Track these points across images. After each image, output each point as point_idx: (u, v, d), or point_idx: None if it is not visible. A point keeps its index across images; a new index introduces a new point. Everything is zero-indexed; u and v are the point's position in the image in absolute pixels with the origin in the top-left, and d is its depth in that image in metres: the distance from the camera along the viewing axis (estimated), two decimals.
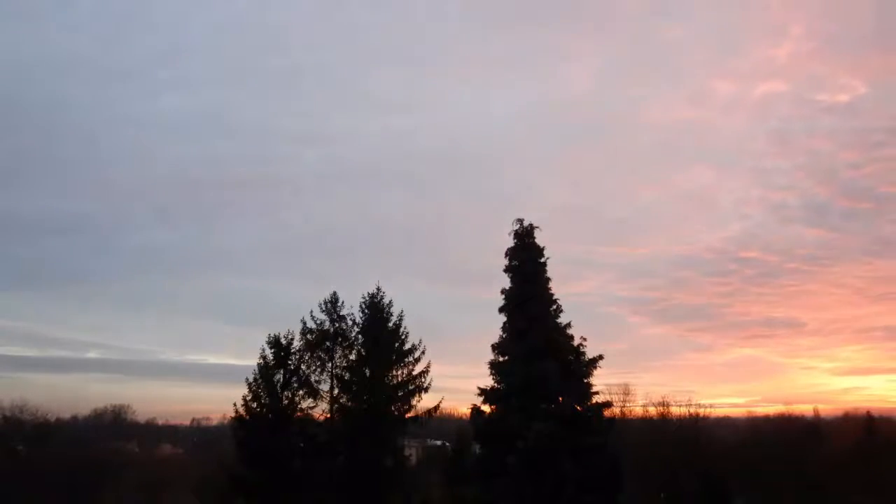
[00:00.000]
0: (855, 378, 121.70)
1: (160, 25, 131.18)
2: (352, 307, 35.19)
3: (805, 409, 70.26)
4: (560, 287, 28.35)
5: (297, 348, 33.91)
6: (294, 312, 34.19)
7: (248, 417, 32.80)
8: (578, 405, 27.13)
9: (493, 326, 28.65)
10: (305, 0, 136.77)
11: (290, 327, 34.12)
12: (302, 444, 33.26)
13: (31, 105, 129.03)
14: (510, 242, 28.75)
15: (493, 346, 28.12)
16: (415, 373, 33.95)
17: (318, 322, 34.63)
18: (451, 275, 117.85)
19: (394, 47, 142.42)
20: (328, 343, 34.21)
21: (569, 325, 27.85)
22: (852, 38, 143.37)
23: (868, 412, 59.04)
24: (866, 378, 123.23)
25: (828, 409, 75.56)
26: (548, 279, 28.24)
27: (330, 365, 34.13)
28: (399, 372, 33.92)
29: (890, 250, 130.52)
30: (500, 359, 27.84)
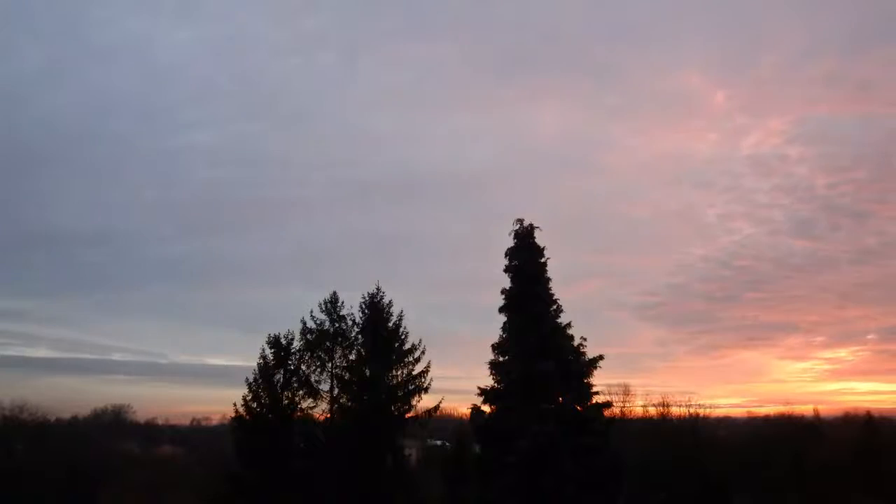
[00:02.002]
0: (849, 381, 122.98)
1: (191, 75, 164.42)
2: (352, 307, 35.14)
3: (805, 409, 70.19)
4: (559, 291, 28.41)
5: (297, 348, 33.92)
6: (299, 316, 34.70)
7: (248, 417, 32.80)
8: (578, 405, 27.14)
9: (492, 328, 28.69)
10: (316, 52, 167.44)
11: (290, 327, 34.21)
12: (302, 444, 33.27)
13: (77, 138, 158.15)
14: (509, 248, 28.73)
15: (493, 346, 28.13)
16: (415, 373, 33.86)
17: (318, 322, 34.57)
18: (450, 281, 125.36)
19: (394, 91, 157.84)
20: (328, 343, 34.16)
21: (569, 325, 27.85)
22: (804, 81, 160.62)
23: (868, 412, 59.10)
24: (859, 380, 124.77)
25: (827, 409, 75.57)
26: (548, 279, 28.24)
27: (330, 365, 34.08)
28: (399, 372, 33.83)
29: (873, 258, 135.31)
30: (500, 359, 27.85)
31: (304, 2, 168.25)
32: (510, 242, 28.62)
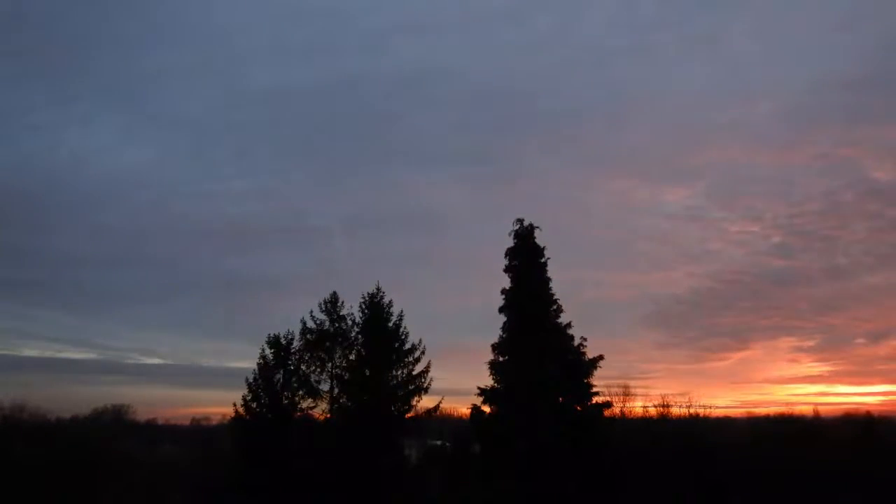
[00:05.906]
0: (841, 384, 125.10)
1: (228, 140, 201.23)
2: (352, 307, 35.12)
3: (805, 409, 70.29)
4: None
5: (297, 348, 33.91)
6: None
7: (248, 417, 32.79)
8: (578, 405, 27.11)
9: (492, 328, 28.64)
10: (337, 125, 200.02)
11: (290, 327, 34.20)
12: (302, 444, 33.22)
13: (128, 185, 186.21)
14: (508, 248, 28.63)
15: (493, 346, 28.04)
16: (415, 373, 33.84)
17: (318, 322, 34.57)
18: (451, 286, 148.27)
19: (404, 144, 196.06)
20: (328, 343, 34.13)
21: (569, 325, 27.78)
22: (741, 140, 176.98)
23: (868, 412, 59.12)
24: (851, 384, 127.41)
25: (827, 409, 75.70)
26: (548, 279, 28.16)
27: (330, 365, 34.04)
28: (399, 372, 33.81)
29: (848, 275, 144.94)
30: (500, 359, 27.77)
31: (330, 90, 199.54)
32: (510, 243, 28.57)
